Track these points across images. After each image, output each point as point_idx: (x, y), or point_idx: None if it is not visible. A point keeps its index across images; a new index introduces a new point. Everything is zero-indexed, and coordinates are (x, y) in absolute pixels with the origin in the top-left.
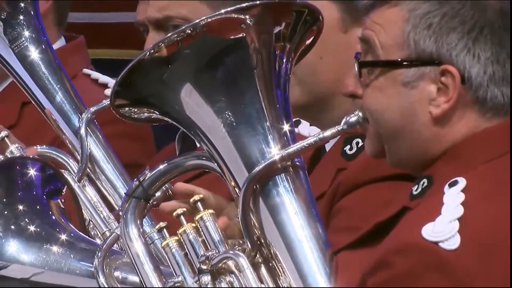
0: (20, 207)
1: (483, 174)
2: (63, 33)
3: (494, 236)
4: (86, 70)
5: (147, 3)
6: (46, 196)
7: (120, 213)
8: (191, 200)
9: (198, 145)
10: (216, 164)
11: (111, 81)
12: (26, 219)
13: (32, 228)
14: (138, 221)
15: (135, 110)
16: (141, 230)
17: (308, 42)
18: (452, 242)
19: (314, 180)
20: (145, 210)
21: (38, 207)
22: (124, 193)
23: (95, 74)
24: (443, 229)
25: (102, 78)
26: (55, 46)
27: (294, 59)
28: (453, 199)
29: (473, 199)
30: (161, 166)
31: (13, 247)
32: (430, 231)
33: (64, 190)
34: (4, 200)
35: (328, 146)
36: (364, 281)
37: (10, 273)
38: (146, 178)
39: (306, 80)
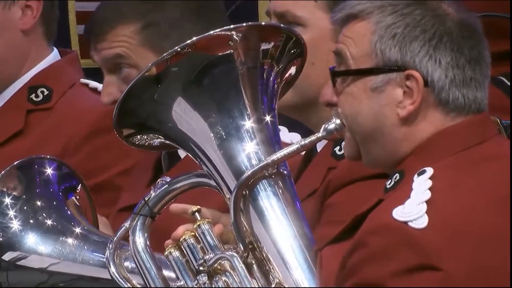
0: (38, 203)
1: (449, 164)
2: (54, 46)
3: (459, 218)
4: (83, 80)
5: None
6: (62, 193)
7: (129, 230)
8: (190, 211)
9: (182, 157)
10: (213, 180)
11: None
12: (44, 214)
13: (49, 222)
14: (146, 234)
15: (145, 137)
16: (147, 243)
17: (293, 70)
18: (420, 221)
19: (307, 178)
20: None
21: (54, 202)
22: (132, 212)
23: (93, 84)
24: (412, 210)
25: (100, 86)
26: (49, 58)
27: (282, 81)
28: (421, 185)
29: (440, 185)
30: (165, 186)
31: (32, 239)
32: (400, 213)
33: (79, 188)
34: (24, 196)
35: (319, 147)
36: (344, 264)
37: (29, 263)
38: (151, 197)
39: (298, 83)
